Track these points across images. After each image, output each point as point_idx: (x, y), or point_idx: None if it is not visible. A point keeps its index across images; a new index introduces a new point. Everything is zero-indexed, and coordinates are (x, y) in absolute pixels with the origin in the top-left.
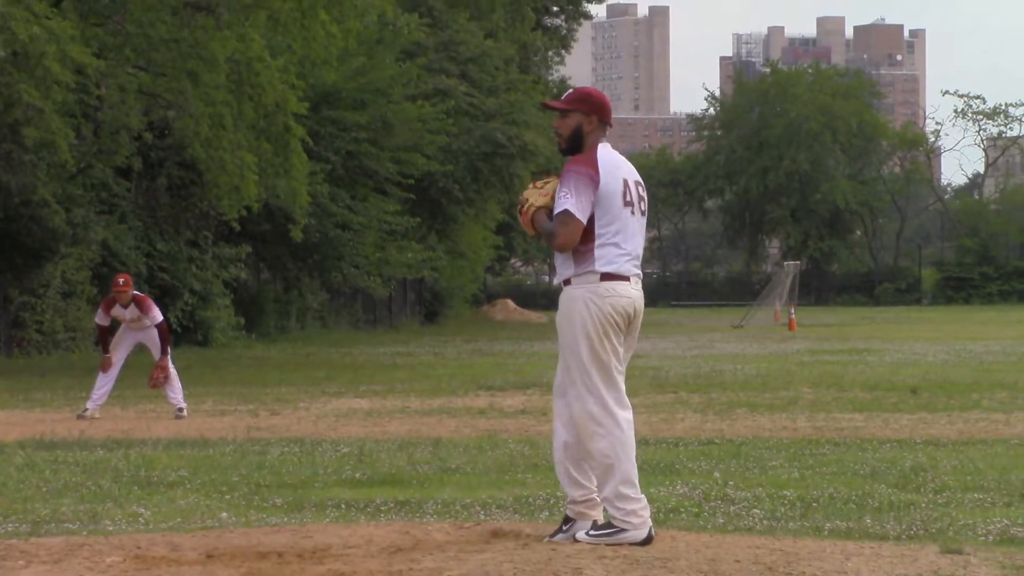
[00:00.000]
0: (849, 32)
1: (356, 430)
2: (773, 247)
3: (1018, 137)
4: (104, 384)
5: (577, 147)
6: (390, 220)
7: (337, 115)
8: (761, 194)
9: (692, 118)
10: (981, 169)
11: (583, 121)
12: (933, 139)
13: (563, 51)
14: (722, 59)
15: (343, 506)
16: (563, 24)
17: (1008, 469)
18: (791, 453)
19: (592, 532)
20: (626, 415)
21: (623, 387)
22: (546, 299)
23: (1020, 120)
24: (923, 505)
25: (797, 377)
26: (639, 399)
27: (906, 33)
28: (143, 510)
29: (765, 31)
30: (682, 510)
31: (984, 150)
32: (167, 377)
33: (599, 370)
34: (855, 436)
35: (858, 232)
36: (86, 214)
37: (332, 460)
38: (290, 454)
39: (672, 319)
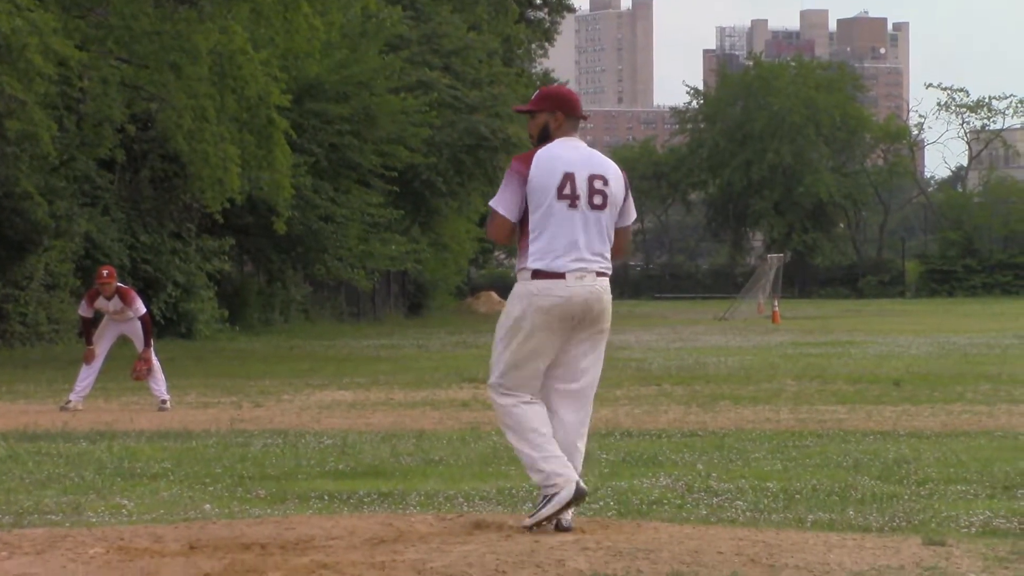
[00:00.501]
0: (832, 25)
1: (339, 422)
2: (757, 240)
3: (1001, 130)
4: (87, 376)
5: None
6: (373, 212)
7: (320, 108)
8: (744, 187)
9: (675, 111)
10: (964, 162)
11: (549, 119)
12: (916, 132)
13: (546, 44)
14: (705, 52)
15: (326, 498)
16: (546, 17)
17: (991, 461)
18: (774, 445)
19: (530, 519)
20: (514, 401)
21: (534, 387)
22: None
23: (1003, 113)
24: (906, 497)
25: (780, 369)
26: (622, 391)
27: (889, 26)
28: (126, 502)
29: (748, 24)
30: (665, 502)
31: (967, 143)
32: (150, 369)
33: (509, 366)
34: (838, 428)
35: (841, 225)
36: (69, 206)
37: (315, 452)
38: (273, 446)
39: (656, 311)
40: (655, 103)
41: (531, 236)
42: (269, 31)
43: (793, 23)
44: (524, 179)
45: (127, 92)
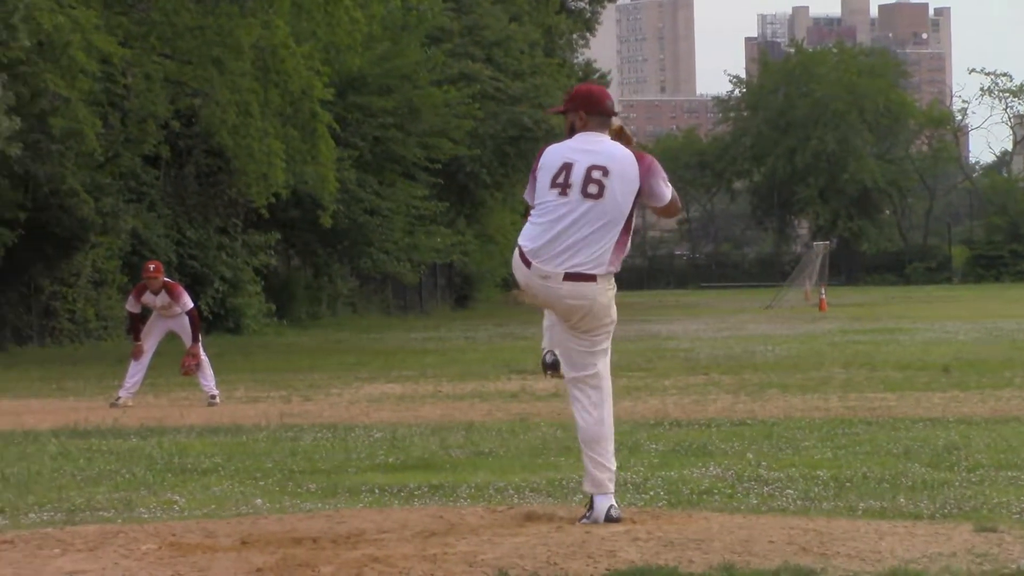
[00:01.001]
0: (874, 11)
1: (389, 415)
2: (802, 227)
3: None
4: (136, 372)
5: None
6: (418, 205)
7: (363, 101)
8: (789, 174)
9: (718, 100)
10: (1009, 147)
11: (574, 118)
12: (960, 117)
13: (588, 34)
14: (747, 40)
15: (377, 491)
16: (587, 7)
17: None
18: (824, 433)
19: None
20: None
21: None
22: None
23: None
24: (956, 484)
25: (828, 357)
26: (670, 381)
27: (931, 11)
28: (177, 497)
29: (790, 11)
30: (715, 491)
31: (1011, 128)
32: (199, 364)
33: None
34: (887, 415)
35: (887, 211)
36: (115, 203)
37: (365, 445)
38: (323, 440)
39: (702, 301)
40: (698, 92)
41: (530, 216)
42: (311, 25)
43: (834, 9)
44: (535, 169)
45: (171, 88)
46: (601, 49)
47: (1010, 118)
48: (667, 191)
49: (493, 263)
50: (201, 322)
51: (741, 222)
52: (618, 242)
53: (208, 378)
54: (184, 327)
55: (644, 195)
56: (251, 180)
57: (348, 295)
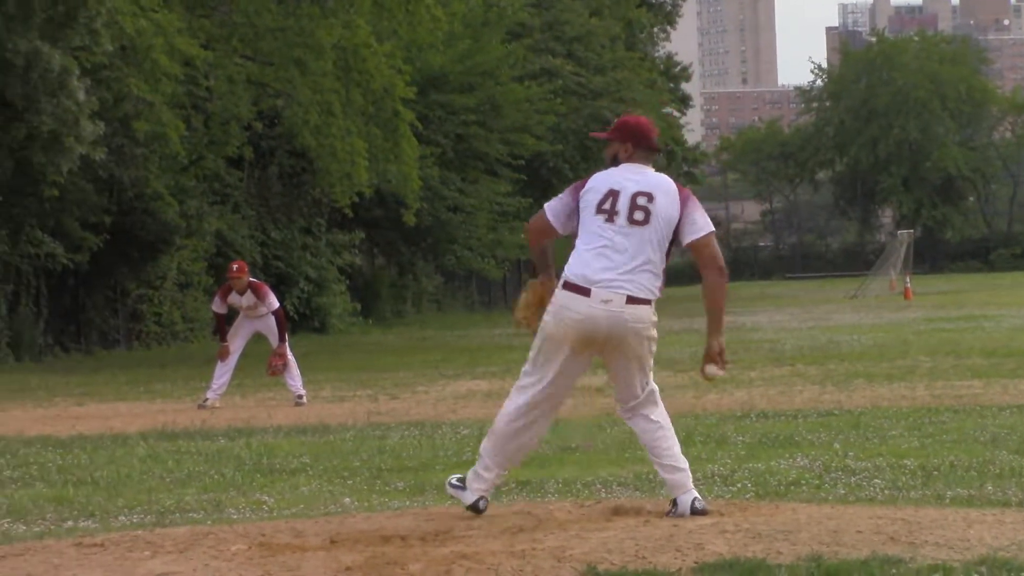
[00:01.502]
0: None
1: (475, 412)
2: (886, 216)
3: None
4: (223, 373)
5: None
6: (502, 201)
7: (445, 98)
8: (872, 164)
9: (800, 90)
10: None
11: (619, 149)
12: None
13: (668, 27)
14: (828, 29)
15: None
16: (667, 0)
17: None
18: (910, 422)
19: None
20: (505, 414)
21: (531, 399)
22: None
23: None
24: None
25: (914, 346)
26: (756, 372)
27: None
28: (266, 497)
29: (870, 0)
30: (803, 482)
31: None
32: (285, 364)
33: (527, 372)
34: (974, 403)
35: (971, 198)
36: (199, 205)
37: (452, 442)
38: (410, 437)
39: (787, 292)
40: (780, 83)
41: (576, 245)
42: (392, 23)
43: None
44: (578, 192)
45: (253, 89)
46: (682, 42)
47: None
48: (706, 222)
49: None
50: (287, 322)
51: (824, 212)
52: (663, 269)
53: (295, 378)
54: (270, 327)
55: (683, 224)
56: (334, 180)
57: (432, 293)
